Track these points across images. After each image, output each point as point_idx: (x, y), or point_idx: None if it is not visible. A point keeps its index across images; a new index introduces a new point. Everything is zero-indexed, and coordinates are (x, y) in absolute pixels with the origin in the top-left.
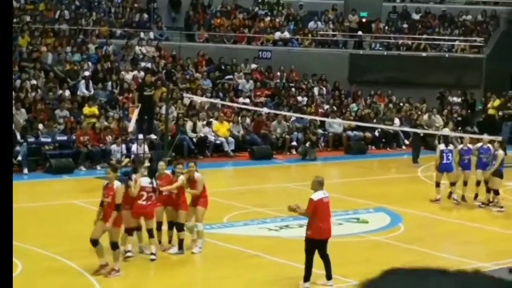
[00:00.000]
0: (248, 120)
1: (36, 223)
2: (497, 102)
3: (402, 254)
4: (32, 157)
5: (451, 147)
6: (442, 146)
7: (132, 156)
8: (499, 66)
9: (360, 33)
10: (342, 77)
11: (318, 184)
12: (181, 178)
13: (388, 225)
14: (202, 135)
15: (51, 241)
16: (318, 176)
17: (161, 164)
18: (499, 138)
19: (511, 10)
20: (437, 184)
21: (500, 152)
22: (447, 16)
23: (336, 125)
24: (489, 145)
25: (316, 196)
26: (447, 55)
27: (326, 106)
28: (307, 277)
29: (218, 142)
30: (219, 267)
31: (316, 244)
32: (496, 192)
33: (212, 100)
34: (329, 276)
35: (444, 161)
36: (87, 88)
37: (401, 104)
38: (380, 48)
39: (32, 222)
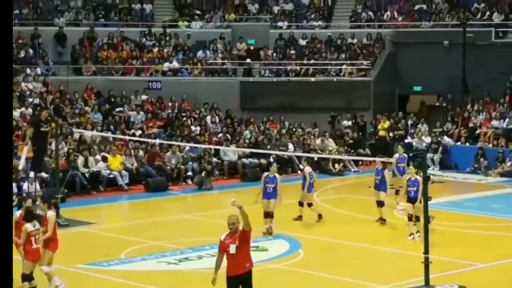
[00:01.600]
0: (141, 152)
1: None
2: (387, 124)
3: (304, 281)
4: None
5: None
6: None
7: (24, 194)
8: (387, 87)
9: (248, 60)
10: (233, 105)
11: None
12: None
13: (288, 251)
14: (95, 169)
15: None
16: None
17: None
18: (392, 160)
19: (395, 32)
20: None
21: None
22: (333, 40)
23: (230, 153)
24: (417, 177)
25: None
26: (335, 79)
27: (220, 135)
28: None
29: (111, 176)
30: None
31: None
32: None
33: (103, 133)
34: None
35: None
36: None
37: (294, 129)
38: (270, 75)
39: None
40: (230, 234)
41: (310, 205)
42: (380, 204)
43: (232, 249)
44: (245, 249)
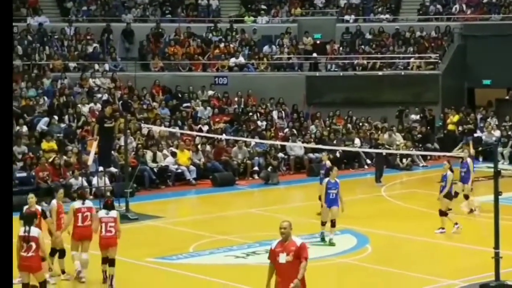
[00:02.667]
0: (208, 147)
1: None
2: (456, 118)
3: (372, 276)
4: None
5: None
6: None
7: (94, 189)
8: (455, 81)
9: (315, 55)
10: (300, 100)
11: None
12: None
13: (355, 246)
14: (163, 164)
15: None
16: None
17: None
18: (462, 154)
19: (464, 25)
20: None
21: (449, 173)
22: (401, 34)
23: (296, 148)
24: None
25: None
26: (403, 73)
27: (286, 129)
28: None
29: (179, 171)
30: None
31: None
32: (442, 213)
33: (171, 129)
34: None
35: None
36: (49, 124)
37: (361, 124)
38: (336, 69)
39: None
40: (281, 242)
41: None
42: (466, 197)
43: (282, 258)
44: (296, 268)
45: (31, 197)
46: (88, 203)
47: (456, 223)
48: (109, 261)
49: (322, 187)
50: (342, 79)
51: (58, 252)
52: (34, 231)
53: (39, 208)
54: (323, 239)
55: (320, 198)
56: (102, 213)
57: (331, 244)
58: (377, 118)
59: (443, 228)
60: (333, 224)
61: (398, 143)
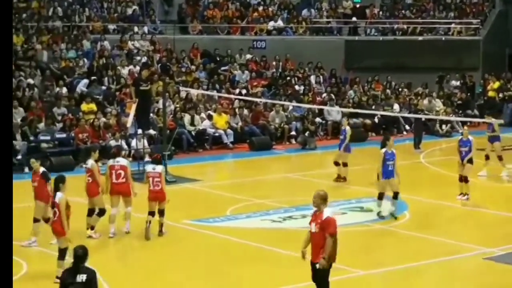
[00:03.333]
0: (246, 111)
1: None
2: (496, 84)
3: (410, 242)
4: (32, 156)
5: None
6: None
7: (132, 151)
8: (496, 47)
9: (354, 19)
10: (338, 64)
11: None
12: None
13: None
14: (201, 128)
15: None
16: (320, 190)
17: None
18: (501, 121)
19: None
20: None
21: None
22: None
23: (334, 112)
24: (469, 137)
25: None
26: (443, 38)
27: (324, 94)
28: None
29: (217, 134)
30: (224, 260)
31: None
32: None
33: (208, 92)
34: None
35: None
36: (89, 85)
37: (400, 89)
38: (376, 34)
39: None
40: (315, 211)
41: (345, 165)
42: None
43: (312, 227)
44: (323, 240)
45: (33, 162)
46: (122, 161)
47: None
48: (159, 212)
49: (379, 157)
50: (382, 43)
51: (99, 210)
52: (57, 196)
53: (41, 170)
54: (382, 217)
55: (335, 164)
56: (149, 167)
57: (368, 210)
58: (417, 83)
59: (464, 194)
60: (395, 196)
61: (438, 109)
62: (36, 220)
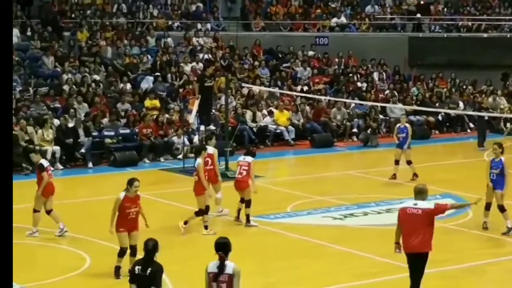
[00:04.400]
0: (307, 108)
1: (102, 216)
2: None
3: (472, 241)
4: (96, 151)
5: None
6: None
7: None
8: None
9: (418, 15)
10: (401, 61)
11: (416, 192)
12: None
13: (456, 211)
14: (262, 124)
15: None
16: (420, 184)
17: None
18: None
19: None
20: None
21: None
22: None
23: (397, 110)
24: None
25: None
26: (508, 36)
27: (387, 91)
28: None
29: (278, 131)
30: (284, 256)
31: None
32: None
33: (270, 89)
34: None
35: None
36: (153, 82)
37: (464, 86)
38: (440, 30)
39: (98, 215)
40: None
41: (409, 162)
42: None
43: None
44: (426, 230)
45: (32, 156)
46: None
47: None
48: (245, 202)
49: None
50: (446, 40)
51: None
52: (121, 194)
53: (44, 162)
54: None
55: (396, 163)
56: (241, 158)
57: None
58: (481, 81)
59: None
60: (500, 209)
61: (502, 107)
62: (35, 211)
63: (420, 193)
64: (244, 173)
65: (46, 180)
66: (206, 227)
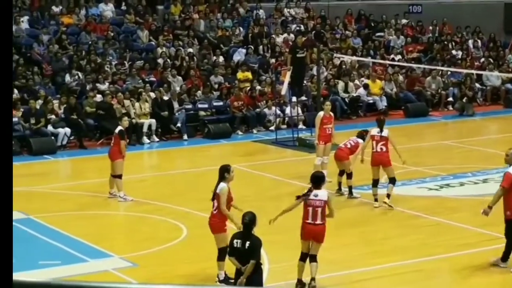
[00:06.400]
0: (401, 77)
1: (197, 188)
2: None
3: None
4: (190, 124)
5: None
6: None
7: (286, 118)
8: None
9: None
10: (497, 28)
11: None
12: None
13: None
14: (354, 95)
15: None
16: None
17: None
18: None
19: None
20: None
21: None
22: None
23: (493, 78)
24: None
25: None
26: None
27: (482, 59)
28: (505, 257)
29: (371, 101)
30: (379, 227)
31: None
32: None
33: (363, 58)
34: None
35: None
36: (246, 54)
37: None
38: None
39: (194, 187)
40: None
41: None
42: None
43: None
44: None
45: (125, 120)
46: (385, 132)
47: None
48: (390, 180)
49: None
50: None
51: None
52: (219, 186)
53: (117, 129)
54: None
55: None
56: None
57: None
58: None
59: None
60: None
61: None
62: (115, 176)
63: None
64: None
65: (124, 146)
66: (388, 196)
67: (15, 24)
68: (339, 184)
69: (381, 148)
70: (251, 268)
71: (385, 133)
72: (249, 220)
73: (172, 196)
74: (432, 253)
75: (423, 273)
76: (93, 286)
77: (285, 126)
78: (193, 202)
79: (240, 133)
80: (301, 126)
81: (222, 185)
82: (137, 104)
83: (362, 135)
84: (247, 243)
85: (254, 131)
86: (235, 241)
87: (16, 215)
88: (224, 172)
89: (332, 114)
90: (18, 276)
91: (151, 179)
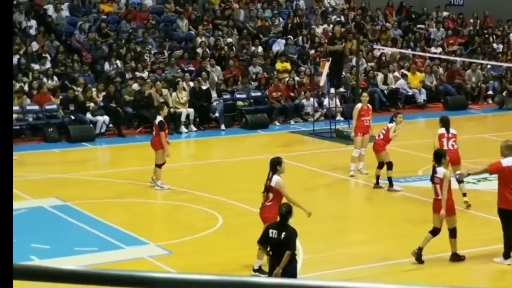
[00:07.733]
0: (441, 70)
1: (234, 177)
2: None
3: None
4: (228, 113)
5: None
6: None
7: (324, 110)
8: None
9: None
10: None
11: (507, 149)
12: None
13: None
14: (394, 87)
15: (250, 195)
16: (508, 140)
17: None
18: None
19: None
20: None
21: None
22: None
23: None
24: None
25: (506, 161)
26: None
27: None
28: (506, 254)
29: (410, 93)
30: (417, 220)
31: (504, 215)
32: None
33: (403, 50)
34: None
35: None
36: (286, 44)
37: None
38: None
39: (231, 176)
40: None
41: None
42: None
43: None
44: None
45: (165, 109)
46: (452, 131)
47: None
48: (386, 165)
49: None
50: None
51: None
52: (274, 179)
53: (157, 119)
54: None
55: None
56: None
57: None
58: None
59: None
60: None
61: None
62: (158, 166)
63: None
64: (381, 136)
65: (163, 137)
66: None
67: (56, 12)
68: (377, 177)
69: (452, 145)
70: (287, 259)
71: (453, 131)
72: (286, 211)
73: (208, 185)
74: (464, 247)
75: (459, 265)
76: (119, 274)
77: (323, 118)
78: (229, 192)
79: (277, 123)
80: (339, 117)
81: (277, 177)
82: (173, 94)
83: (392, 120)
84: (283, 234)
85: (292, 122)
86: (270, 231)
87: (53, 201)
88: (277, 165)
89: (370, 106)
90: (54, 262)
91: (188, 169)
